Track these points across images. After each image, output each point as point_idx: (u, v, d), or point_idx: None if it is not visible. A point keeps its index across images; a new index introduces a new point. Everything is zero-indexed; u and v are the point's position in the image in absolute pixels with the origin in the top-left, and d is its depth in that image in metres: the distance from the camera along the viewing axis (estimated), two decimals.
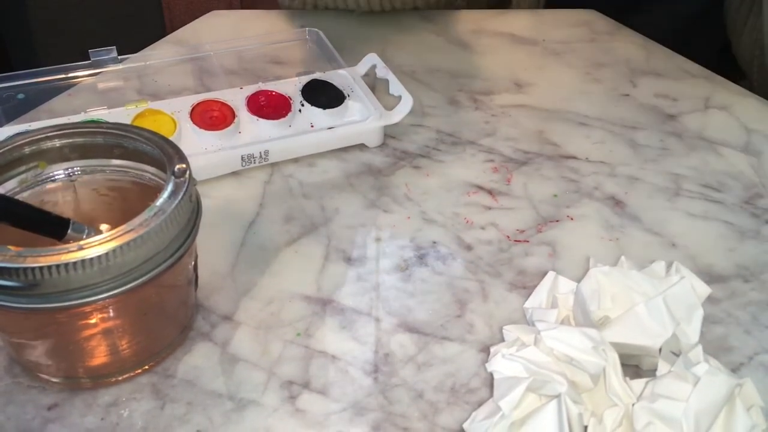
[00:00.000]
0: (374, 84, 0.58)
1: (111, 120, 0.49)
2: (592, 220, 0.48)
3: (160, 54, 0.59)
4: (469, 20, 0.72)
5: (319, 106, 0.53)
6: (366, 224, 0.47)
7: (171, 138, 0.39)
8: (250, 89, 0.54)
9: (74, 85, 0.56)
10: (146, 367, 0.37)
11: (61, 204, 0.39)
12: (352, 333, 0.40)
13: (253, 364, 0.38)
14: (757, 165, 0.54)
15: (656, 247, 0.47)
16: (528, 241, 0.47)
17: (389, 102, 0.55)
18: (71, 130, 0.38)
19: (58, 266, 0.30)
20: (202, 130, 0.50)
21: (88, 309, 0.33)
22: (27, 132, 0.37)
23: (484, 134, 0.56)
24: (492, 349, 0.39)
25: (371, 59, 0.57)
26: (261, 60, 0.63)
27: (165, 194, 0.34)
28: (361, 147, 0.54)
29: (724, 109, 0.60)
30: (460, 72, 0.64)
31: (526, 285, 0.43)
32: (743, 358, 0.40)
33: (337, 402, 0.37)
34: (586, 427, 0.34)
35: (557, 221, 0.48)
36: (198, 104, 0.52)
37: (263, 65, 0.62)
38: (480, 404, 0.36)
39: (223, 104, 0.52)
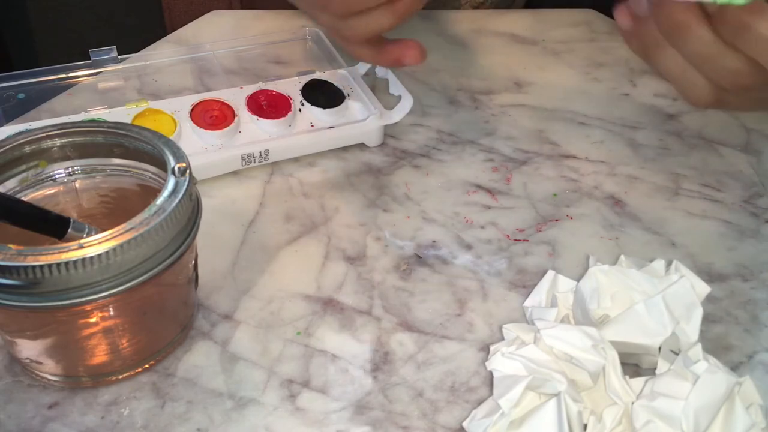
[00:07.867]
0: (374, 84, 0.58)
1: (111, 119, 0.49)
2: (592, 220, 0.48)
3: (160, 54, 0.59)
4: (469, 20, 0.72)
5: (319, 106, 0.53)
6: (366, 223, 0.47)
7: (171, 137, 0.39)
8: (250, 89, 0.54)
9: (74, 84, 0.56)
10: (146, 365, 0.38)
11: (62, 203, 0.39)
12: (352, 332, 0.40)
13: (253, 362, 0.38)
14: (757, 164, 0.54)
15: (656, 246, 0.47)
16: (528, 241, 0.47)
17: (389, 102, 0.55)
18: (72, 129, 0.38)
19: (58, 265, 0.30)
20: (202, 130, 0.50)
21: (88, 308, 0.33)
22: (27, 131, 0.37)
23: (483, 134, 0.56)
24: (492, 348, 0.39)
25: None
26: (261, 60, 0.63)
27: (165, 193, 0.34)
28: (361, 146, 0.54)
29: None
30: (460, 72, 0.64)
31: (525, 284, 0.43)
32: (742, 356, 0.40)
33: (337, 401, 0.37)
34: (585, 426, 0.34)
35: (557, 220, 0.48)
36: (198, 104, 0.52)
37: (263, 65, 0.62)
38: (480, 403, 0.37)
39: (223, 104, 0.52)
